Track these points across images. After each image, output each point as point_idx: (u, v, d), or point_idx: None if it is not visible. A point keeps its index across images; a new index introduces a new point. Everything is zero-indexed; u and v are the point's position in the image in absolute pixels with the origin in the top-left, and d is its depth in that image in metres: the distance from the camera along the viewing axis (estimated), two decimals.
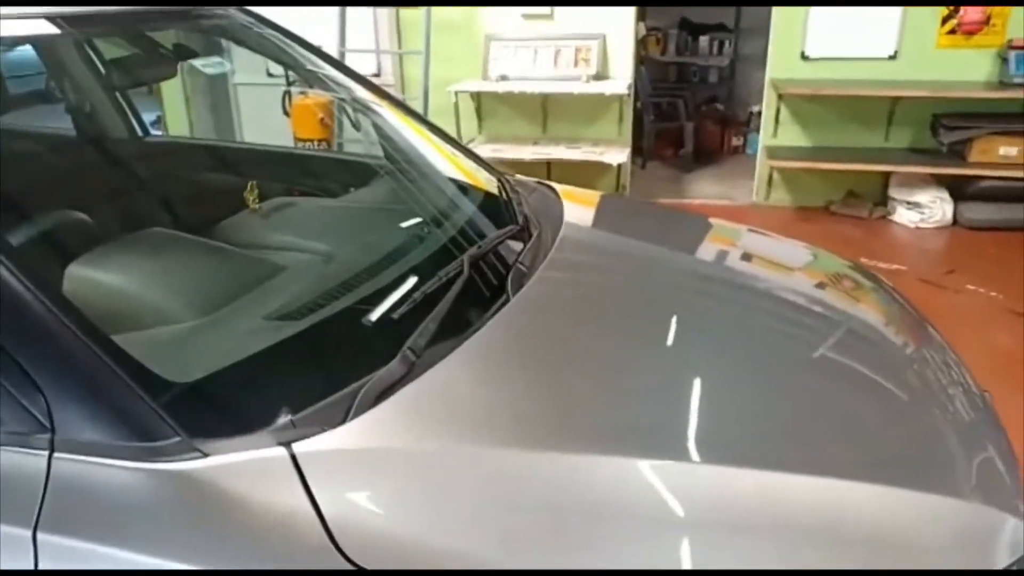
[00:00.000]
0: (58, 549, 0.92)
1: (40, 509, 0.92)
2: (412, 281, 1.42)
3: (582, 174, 5.45)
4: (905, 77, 5.29)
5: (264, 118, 5.51)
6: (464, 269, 1.45)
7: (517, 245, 1.67)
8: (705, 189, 6.27)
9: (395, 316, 1.28)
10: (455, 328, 1.33)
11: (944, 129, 5.27)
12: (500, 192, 2.02)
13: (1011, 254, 4.93)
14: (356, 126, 5.35)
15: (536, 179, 2.38)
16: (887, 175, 5.57)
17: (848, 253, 2.38)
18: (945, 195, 5.37)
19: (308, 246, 1.56)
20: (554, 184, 2.30)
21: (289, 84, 5.37)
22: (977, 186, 5.28)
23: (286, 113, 5.31)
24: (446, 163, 2.23)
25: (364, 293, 1.33)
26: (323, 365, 1.19)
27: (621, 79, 5.63)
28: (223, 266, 1.42)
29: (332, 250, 1.53)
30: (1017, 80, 5.03)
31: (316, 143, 5.17)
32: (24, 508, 0.93)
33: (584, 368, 1.31)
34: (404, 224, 1.72)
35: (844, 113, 5.55)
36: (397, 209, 1.85)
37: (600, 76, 5.58)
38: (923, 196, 5.39)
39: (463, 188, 2.06)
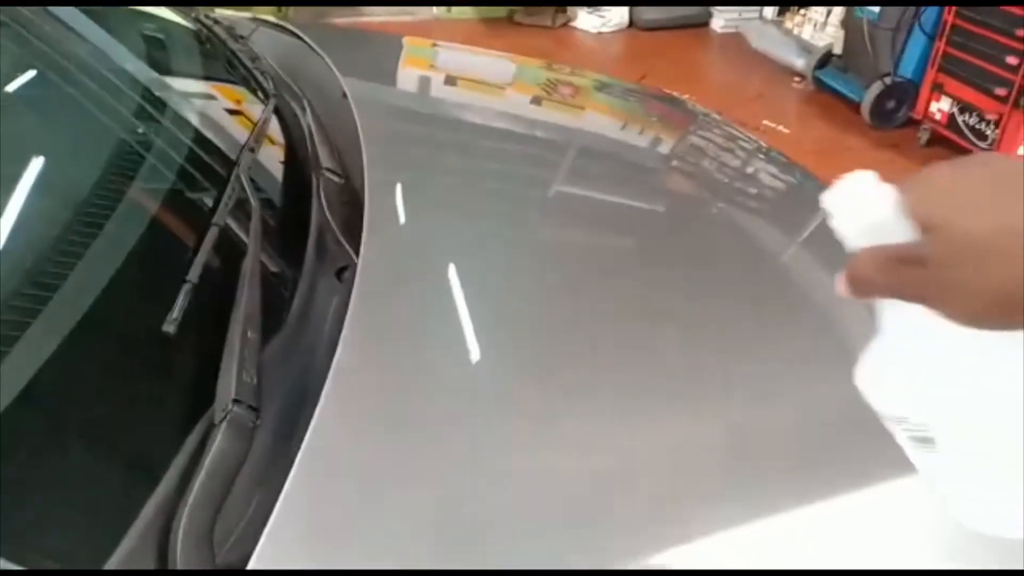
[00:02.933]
0: None
1: None
2: (166, 243, 0.77)
3: None
4: None
5: None
6: (247, 193, 0.82)
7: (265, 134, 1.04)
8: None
9: (169, 329, 0.64)
10: (299, 323, 0.75)
11: None
12: (209, 42, 1.30)
13: (688, 54, 5.07)
14: None
15: (250, 14, 1.65)
16: None
17: None
18: None
19: None
20: (274, 19, 1.60)
21: None
22: None
23: None
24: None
25: (77, 303, 0.64)
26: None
27: None
28: None
29: None
30: None
31: None
32: None
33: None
34: (85, 129, 0.96)
35: None
36: (47, 99, 1.05)
37: None
38: None
39: (151, 41, 1.28)
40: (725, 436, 0.76)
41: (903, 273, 0.39)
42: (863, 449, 0.76)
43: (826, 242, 1.07)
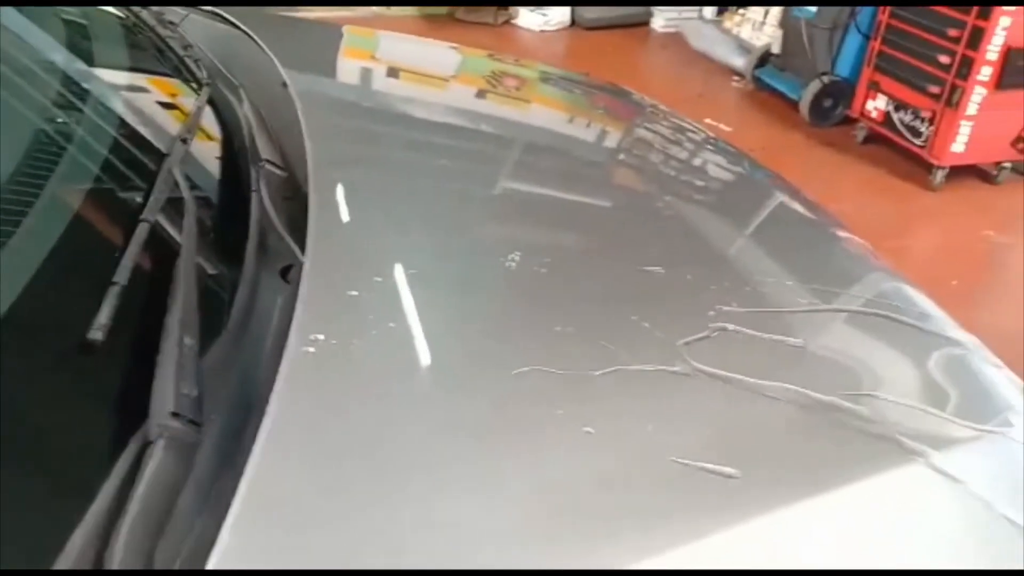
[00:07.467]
0: None
1: None
2: (92, 243, 0.70)
3: None
4: None
5: None
6: (179, 187, 0.76)
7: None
8: None
9: (96, 336, 0.57)
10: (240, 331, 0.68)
11: None
12: (137, 29, 1.22)
13: (629, 53, 5.10)
14: None
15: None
16: None
17: None
18: None
19: None
20: (217, 9, 1.52)
21: None
22: None
23: None
24: None
25: None
26: None
27: None
28: None
29: None
30: None
31: None
32: None
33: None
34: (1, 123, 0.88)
35: None
36: None
37: None
38: None
39: (73, 26, 1.19)
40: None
41: None
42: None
43: (775, 232, 1.03)
